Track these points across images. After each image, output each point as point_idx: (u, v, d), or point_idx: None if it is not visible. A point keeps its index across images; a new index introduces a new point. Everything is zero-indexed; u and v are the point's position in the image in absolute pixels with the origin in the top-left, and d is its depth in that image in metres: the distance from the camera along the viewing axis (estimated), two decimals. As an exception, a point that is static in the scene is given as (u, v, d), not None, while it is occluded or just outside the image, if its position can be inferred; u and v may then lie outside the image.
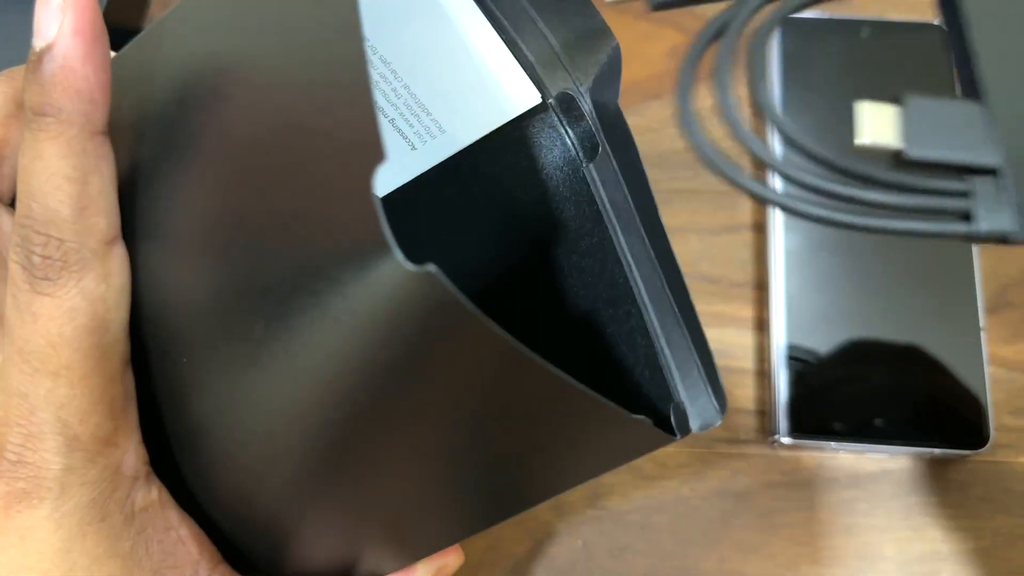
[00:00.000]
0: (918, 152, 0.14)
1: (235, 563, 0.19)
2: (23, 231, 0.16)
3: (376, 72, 0.20)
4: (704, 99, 0.17)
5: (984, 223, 0.13)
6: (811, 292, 0.32)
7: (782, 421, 0.30)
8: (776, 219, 0.33)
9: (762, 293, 0.33)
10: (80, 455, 0.17)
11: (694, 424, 0.18)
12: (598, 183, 0.20)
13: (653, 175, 0.36)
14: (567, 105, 0.21)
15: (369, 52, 0.19)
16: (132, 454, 0.18)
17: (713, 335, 0.33)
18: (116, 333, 0.17)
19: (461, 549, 0.22)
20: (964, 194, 0.13)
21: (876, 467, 0.31)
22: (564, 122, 0.21)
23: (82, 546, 0.17)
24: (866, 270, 0.32)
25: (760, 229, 0.34)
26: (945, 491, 0.31)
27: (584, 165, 0.21)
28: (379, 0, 0.18)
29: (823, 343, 0.31)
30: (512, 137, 0.21)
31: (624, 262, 0.20)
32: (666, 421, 0.17)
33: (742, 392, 0.32)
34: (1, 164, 0.19)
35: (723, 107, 0.15)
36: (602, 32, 0.20)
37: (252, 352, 0.16)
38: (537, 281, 0.22)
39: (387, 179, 0.21)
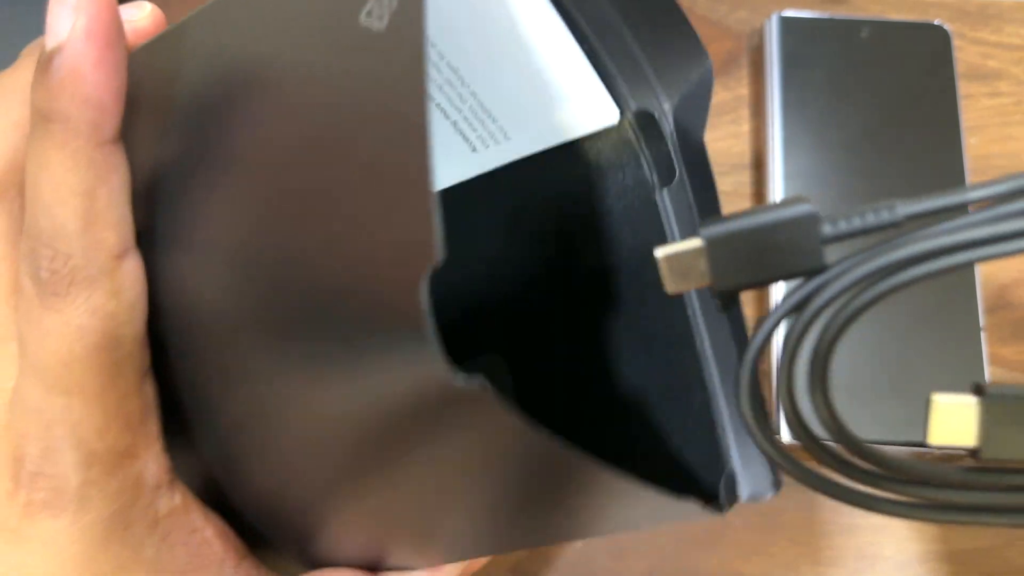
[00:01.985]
0: (993, 454, 0.14)
1: (262, 552, 0.19)
2: (31, 243, 0.16)
3: (442, 77, 0.18)
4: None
5: None
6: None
7: (782, 421, 0.30)
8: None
9: (762, 292, 0.33)
10: (98, 469, 0.16)
11: (743, 492, 0.17)
12: (670, 213, 0.18)
13: (653, 175, 0.37)
14: (646, 123, 0.19)
15: (436, 56, 0.18)
16: (153, 463, 0.17)
17: (713, 335, 0.33)
18: (129, 347, 0.16)
19: None
20: None
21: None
22: (641, 141, 0.19)
23: (105, 555, 0.17)
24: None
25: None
26: (945, 491, 0.31)
27: (657, 190, 0.19)
28: (448, 2, 0.16)
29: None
30: (581, 148, 0.19)
31: (688, 306, 0.18)
32: (713, 491, 0.16)
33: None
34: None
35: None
36: (695, 51, 0.18)
37: (272, 373, 0.15)
38: (586, 312, 0.20)
39: (442, 175, 0.19)
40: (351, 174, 0.13)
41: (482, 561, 0.22)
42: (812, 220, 0.13)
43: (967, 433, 0.14)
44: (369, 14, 0.13)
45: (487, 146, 0.19)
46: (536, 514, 0.16)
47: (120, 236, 0.16)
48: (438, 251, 0.11)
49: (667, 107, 0.19)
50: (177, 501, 0.18)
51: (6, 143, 0.17)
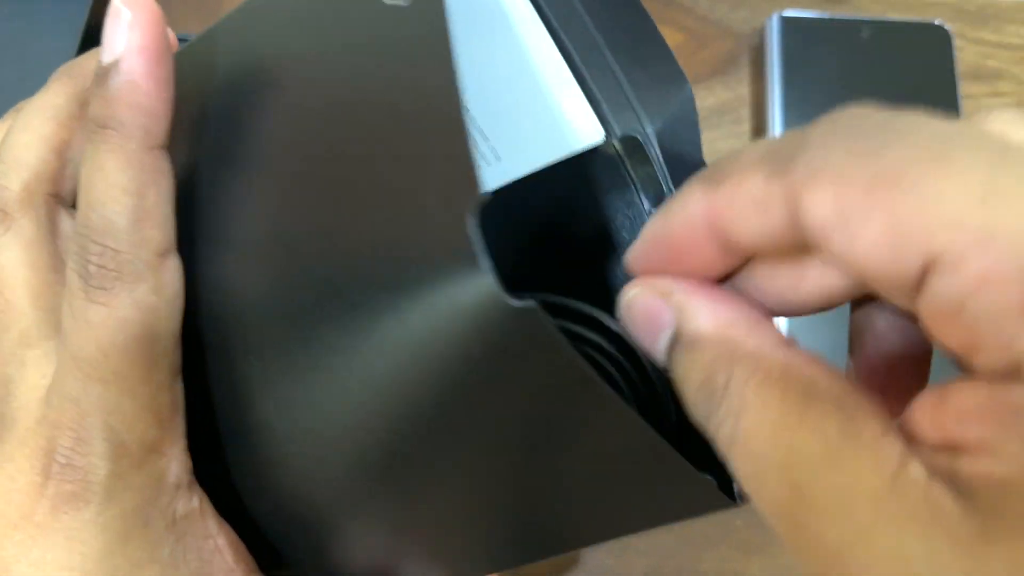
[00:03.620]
0: None
1: (269, 569, 0.19)
2: (81, 240, 0.17)
3: None
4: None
5: None
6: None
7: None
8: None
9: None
10: (126, 461, 0.17)
11: None
12: None
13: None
14: (632, 147, 0.20)
15: None
16: (176, 462, 0.18)
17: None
18: (166, 343, 0.17)
19: None
20: None
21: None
22: (627, 164, 0.20)
23: (124, 550, 0.17)
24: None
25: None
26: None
27: (647, 211, 0.19)
28: (450, 16, 0.17)
29: (824, 342, 0.31)
30: (571, 173, 0.20)
31: None
32: (727, 486, 0.16)
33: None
34: (64, 166, 0.19)
35: None
36: (675, 77, 0.19)
37: (319, 356, 0.16)
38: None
39: None
40: (394, 136, 0.14)
41: None
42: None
43: None
44: None
45: (479, 167, 0.19)
46: (560, 500, 0.16)
47: (165, 235, 0.17)
48: (481, 186, 0.12)
49: (651, 131, 0.20)
50: (194, 504, 0.18)
51: (34, 156, 0.19)
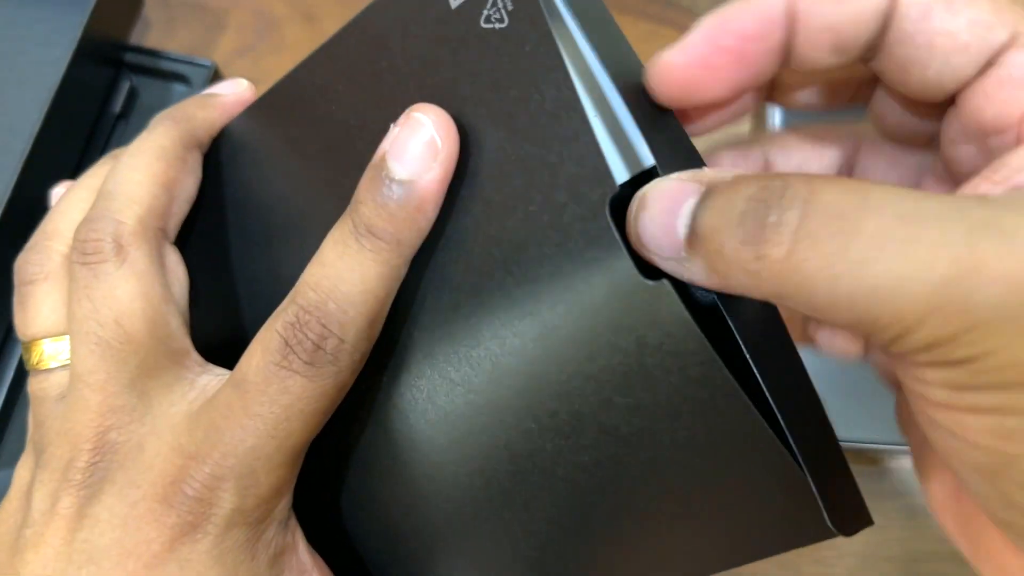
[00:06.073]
0: None
1: None
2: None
3: None
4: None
5: None
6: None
7: (781, 421, 0.30)
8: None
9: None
10: (252, 500, 0.17)
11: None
12: None
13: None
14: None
15: None
16: (287, 499, 0.18)
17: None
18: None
19: None
20: None
21: (876, 466, 0.31)
22: None
23: None
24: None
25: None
26: (946, 491, 0.30)
27: None
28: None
29: (848, 382, 0.31)
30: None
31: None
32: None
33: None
34: (172, 202, 0.20)
35: None
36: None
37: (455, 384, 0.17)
38: None
39: None
40: (537, 147, 0.16)
41: None
42: None
43: None
44: (488, 19, 0.16)
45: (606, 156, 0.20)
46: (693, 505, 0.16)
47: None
48: (615, 180, 0.14)
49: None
50: (290, 539, 0.18)
51: (147, 192, 0.20)
